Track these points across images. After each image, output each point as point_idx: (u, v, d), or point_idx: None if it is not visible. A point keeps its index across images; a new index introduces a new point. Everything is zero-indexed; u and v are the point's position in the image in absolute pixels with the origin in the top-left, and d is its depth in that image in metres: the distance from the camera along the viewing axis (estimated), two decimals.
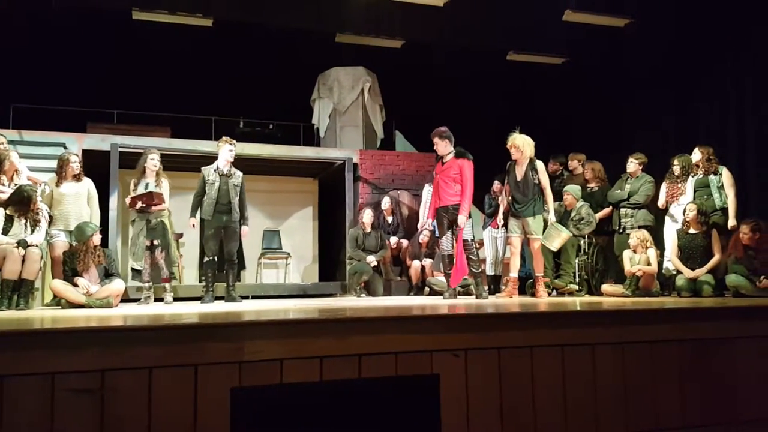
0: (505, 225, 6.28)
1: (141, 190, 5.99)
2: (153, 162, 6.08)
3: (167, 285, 6.02)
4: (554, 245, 6.09)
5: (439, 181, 5.84)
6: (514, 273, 6.09)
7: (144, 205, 5.91)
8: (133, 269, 6.05)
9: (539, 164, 6.03)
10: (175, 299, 6.15)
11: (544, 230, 6.08)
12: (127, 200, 5.98)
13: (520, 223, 6.00)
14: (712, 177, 6.05)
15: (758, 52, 6.94)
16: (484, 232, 7.49)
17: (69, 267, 5.40)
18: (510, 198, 6.07)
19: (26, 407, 2.24)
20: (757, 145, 6.98)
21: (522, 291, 6.41)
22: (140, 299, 6.01)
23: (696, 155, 6.18)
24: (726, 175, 6.02)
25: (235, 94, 9.54)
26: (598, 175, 6.92)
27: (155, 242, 5.97)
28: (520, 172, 5.99)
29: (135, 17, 7.95)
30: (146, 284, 6.00)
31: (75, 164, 5.94)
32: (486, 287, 6.02)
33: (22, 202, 5.21)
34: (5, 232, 5.15)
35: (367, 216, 7.88)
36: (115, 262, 5.94)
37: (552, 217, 6.05)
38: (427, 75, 9.60)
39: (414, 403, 2.77)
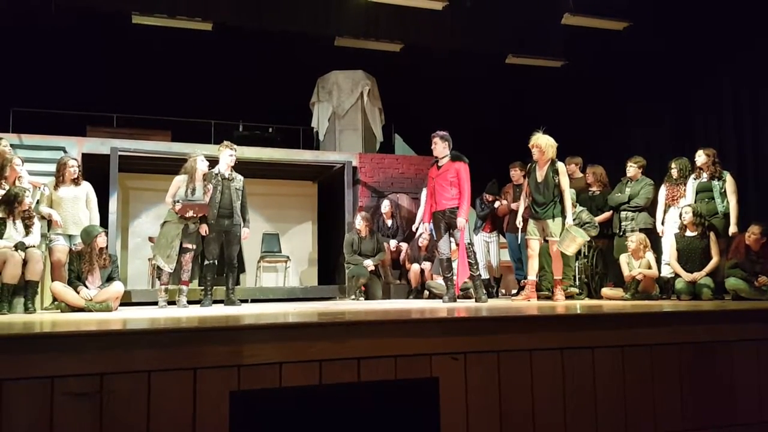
0: (524, 228, 6.07)
1: (189, 195, 5.92)
2: (204, 164, 6.07)
3: (184, 287, 5.97)
4: (570, 250, 5.78)
5: (435, 185, 5.83)
6: (532, 276, 5.93)
7: (194, 215, 5.88)
8: (157, 267, 5.99)
9: (560, 165, 5.84)
10: (170, 303, 6.04)
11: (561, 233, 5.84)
12: (177, 205, 5.84)
13: (540, 225, 5.81)
14: (715, 182, 6.01)
15: (757, 55, 6.95)
16: (476, 236, 7.38)
17: (75, 268, 5.40)
18: (530, 200, 5.89)
19: (26, 411, 2.24)
20: (755, 148, 6.98)
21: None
22: (162, 301, 5.89)
23: (701, 158, 6.11)
24: (729, 182, 5.98)
25: (234, 97, 9.56)
26: (599, 179, 6.92)
27: (190, 246, 5.96)
28: (540, 174, 5.82)
29: (135, 21, 7.94)
30: (175, 286, 5.98)
31: (73, 168, 5.90)
32: (484, 291, 5.98)
33: (7, 202, 5.21)
34: None
35: (359, 222, 7.85)
36: (118, 267, 5.93)
37: (569, 220, 5.77)
38: (427, 78, 9.61)
39: (413, 407, 2.77)
